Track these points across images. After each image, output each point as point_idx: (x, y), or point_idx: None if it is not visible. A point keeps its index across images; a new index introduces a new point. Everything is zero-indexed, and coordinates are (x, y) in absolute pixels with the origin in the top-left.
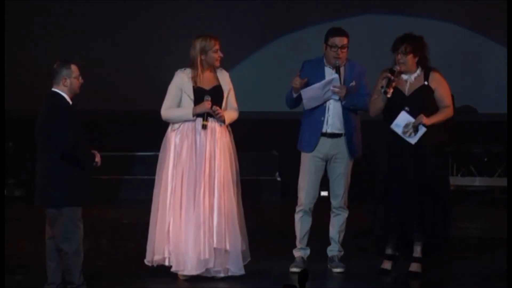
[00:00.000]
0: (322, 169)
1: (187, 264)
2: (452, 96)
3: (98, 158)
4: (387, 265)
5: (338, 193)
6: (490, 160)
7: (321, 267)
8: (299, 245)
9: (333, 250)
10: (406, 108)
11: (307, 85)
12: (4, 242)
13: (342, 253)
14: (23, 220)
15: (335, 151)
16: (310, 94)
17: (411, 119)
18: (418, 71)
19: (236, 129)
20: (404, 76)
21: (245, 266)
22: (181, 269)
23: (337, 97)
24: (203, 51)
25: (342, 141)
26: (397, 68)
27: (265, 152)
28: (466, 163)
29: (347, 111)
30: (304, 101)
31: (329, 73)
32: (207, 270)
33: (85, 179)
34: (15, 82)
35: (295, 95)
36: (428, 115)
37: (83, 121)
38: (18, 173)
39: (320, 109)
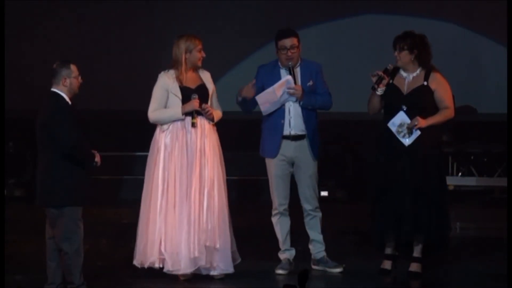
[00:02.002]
0: (289, 170)
1: (181, 263)
2: (453, 97)
3: (98, 158)
4: (387, 265)
5: (309, 197)
6: (490, 160)
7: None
8: (283, 246)
9: (321, 251)
10: (404, 108)
11: (263, 90)
12: (4, 242)
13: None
14: (23, 220)
15: (299, 153)
16: (265, 99)
17: (407, 120)
18: (418, 71)
19: (236, 129)
20: (403, 74)
21: (246, 266)
22: (177, 268)
23: (294, 99)
24: (188, 50)
25: (304, 143)
26: (390, 66)
27: None
28: (466, 163)
29: (307, 111)
30: (261, 106)
31: (285, 75)
32: (198, 268)
33: (85, 179)
34: (15, 82)
35: (240, 99)
36: (425, 115)
37: (83, 121)
38: (18, 173)
39: (279, 112)
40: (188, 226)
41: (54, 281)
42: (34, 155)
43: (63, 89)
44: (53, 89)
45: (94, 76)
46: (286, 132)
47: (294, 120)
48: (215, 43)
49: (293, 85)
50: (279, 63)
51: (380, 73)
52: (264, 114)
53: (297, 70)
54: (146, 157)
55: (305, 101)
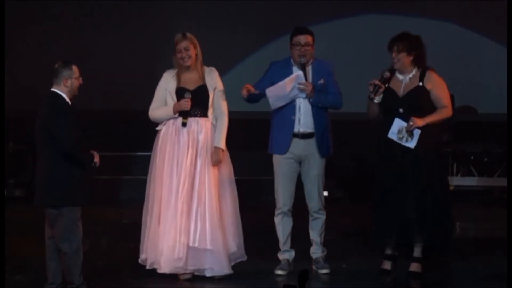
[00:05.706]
0: (296, 169)
1: (161, 262)
2: (452, 96)
3: (97, 159)
4: (387, 265)
5: (314, 196)
6: (490, 160)
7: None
8: (283, 247)
9: (317, 252)
10: (400, 110)
11: (272, 85)
12: (4, 242)
13: (325, 253)
14: (23, 220)
15: (307, 152)
16: (275, 93)
17: (404, 124)
18: (414, 72)
19: (236, 129)
20: (400, 77)
21: (245, 266)
22: (156, 267)
23: (304, 95)
24: (175, 49)
25: (313, 141)
26: (387, 74)
27: (265, 152)
28: (466, 163)
29: (318, 109)
30: (270, 100)
31: (297, 71)
32: (199, 269)
33: (84, 179)
34: (15, 82)
35: (245, 97)
36: (422, 116)
37: (83, 121)
38: (18, 173)
39: (289, 108)
40: (173, 227)
41: (54, 281)
42: (34, 155)
43: (63, 89)
44: (53, 89)
45: (94, 76)
46: (295, 129)
47: (303, 118)
48: (216, 42)
49: (303, 80)
50: (292, 60)
51: (377, 82)
52: (272, 107)
53: (309, 68)
54: (146, 157)
55: (315, 98)
